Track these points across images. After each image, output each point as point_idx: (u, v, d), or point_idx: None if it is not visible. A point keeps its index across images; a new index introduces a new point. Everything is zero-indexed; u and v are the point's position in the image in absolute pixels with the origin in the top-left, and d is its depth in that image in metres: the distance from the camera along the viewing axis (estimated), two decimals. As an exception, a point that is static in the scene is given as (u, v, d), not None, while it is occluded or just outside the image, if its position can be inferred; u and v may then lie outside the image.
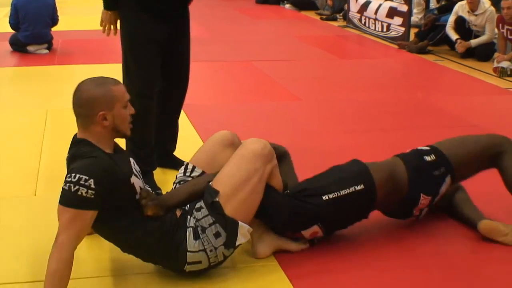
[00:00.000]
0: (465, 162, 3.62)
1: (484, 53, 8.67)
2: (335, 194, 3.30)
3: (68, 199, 2.76)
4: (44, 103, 6.21)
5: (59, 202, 2.79)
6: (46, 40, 8.62)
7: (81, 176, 2.76)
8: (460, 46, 8.70)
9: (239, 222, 3.06)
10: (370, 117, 5.95)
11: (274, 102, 6.43)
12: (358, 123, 5.76)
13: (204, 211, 3.05)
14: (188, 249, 3.01)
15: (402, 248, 3.48)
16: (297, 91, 6.85)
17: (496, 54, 8.47)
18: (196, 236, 3.03)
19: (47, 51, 8.63)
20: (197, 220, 3.05)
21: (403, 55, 9.19)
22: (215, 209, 3.04)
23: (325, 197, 3.30)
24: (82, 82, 3.02)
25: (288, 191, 3.36)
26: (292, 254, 3.36)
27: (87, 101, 2.91)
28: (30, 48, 8.52)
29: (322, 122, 5.83)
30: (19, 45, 8.56)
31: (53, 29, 8.80)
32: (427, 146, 3.65)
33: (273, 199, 3.24)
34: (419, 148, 3.64)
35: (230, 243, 3.06)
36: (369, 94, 6.83)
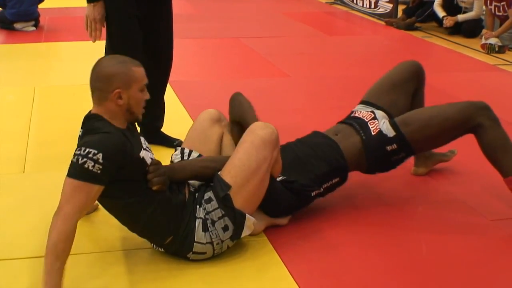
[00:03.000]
0: (429, 143, 3.69)
1: (471, 29, 8.69)
2: (319, 190, 3.49)
3: (75, 171, 2.74)
4: (32, 80, 6.18)
5: (67, 174, 2.77)
6: (33, 17, 8.57)
7: (90, 150, 2.73)
8: (448, 21, 8.70)
9: (247, 215, 3.06)
10: (358, 93, 5.91)
11: (262, 79, 6.43)
12: (346, 99, 5.74)
13: (214, 203, 3.03)
14: (196, 240, 3.01)
15: (390, 213, 3.53)
16: (285, 67, 6.85)
17: (484, 31, 8.48)
18: (205, 229, 3.02)
19: (34, 28, 8.59)
20: (207, 213, 3.03)
21: (391, 32, 9.19)
22: (226, 202, 3.02)
23: (313, 193, 3.46)
24: (103, 57, 3.02)
25: (280, 174, 3.38)
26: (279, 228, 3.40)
27: (106, 76, 2.88)
28: (17, 25, 8.47)
29: (310, 98, 5.83)
30: (5, 23, 8.50)
31: (40, 6, 8.76)
32: (393, 127, 3.59)
33: (274, 189, 3.25)
34: (384, 132, 3.60)
35: (236, 236, 3.07)
36: (356, 70, 6.84)
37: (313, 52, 7.79)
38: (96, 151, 2.72)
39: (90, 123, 2.91)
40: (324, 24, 9.81)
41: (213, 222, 3.02)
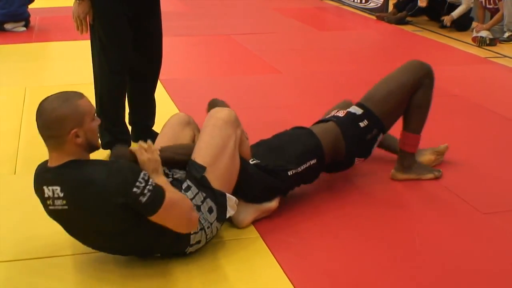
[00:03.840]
0: (394, 113, 3.85)
1: (462, 23, 8.69)
2: (296, 170, 3.49)
3: (155, 199, 2.74)
4: (23, 81, 6.15)
5: (153, 211, 2.75)
6: (23, 17, 8.53)
7: (136, 178, 2.70)
8: (447, 20, 8.67)
9: (226, 194, 3.10)
10: (350, 88, 5.94)
11: (254, 76, 6.41)
12: (338, 95, 5.71)
13: (194, 189, 3.04)
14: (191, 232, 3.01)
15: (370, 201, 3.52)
16: (277, 64, 6.83)
17: (474, 24, 8.48)
18: None
19: (24, 28, 8.54)
20: (190, 200, 3.02)
21: (382, 26, 9.18)
22: (203, 183, 3.05)
23: (290, 173, 3.47)
24: (45, 101, 2.77)
25: (255, 159, 3.44)
26: (271, 224, 3.40)
27: (57, 121, 2.71)
28: (7, 26, 8.42)
29: (302, 94, 5.82)
30: (-4, 23, 8.47)
31: (30, 6, 8.71)
32: (360, 107, 3.79)
33: (246, 172, 3.29)
34: (353, 111, 3.78)
35: (221, 216, 3.09)
36: (348, 65, 6.84)
37: (305, 48, 7.78)
38: (139, 173, 2.73)
39: (73, 174, 2.75)
40: (315, 20, 9.79)
41: (198, 207, 3.02)
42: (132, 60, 4.13)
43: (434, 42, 8.12)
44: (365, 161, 3.87)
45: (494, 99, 5.75)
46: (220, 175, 3.11)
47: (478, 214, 3.58)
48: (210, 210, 3.05)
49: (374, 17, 9.73)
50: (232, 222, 3.36)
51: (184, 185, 3.08)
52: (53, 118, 2.72)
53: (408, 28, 8.96)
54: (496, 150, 4.50)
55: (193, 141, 3.46)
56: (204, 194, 3.05)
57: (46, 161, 2.86)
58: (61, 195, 2.74)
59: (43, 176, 2.82)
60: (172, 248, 3.02)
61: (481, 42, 7.81)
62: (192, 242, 3.01)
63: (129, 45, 4.07)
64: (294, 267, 3.04)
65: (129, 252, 3.02)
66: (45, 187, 2.78)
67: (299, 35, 8.55)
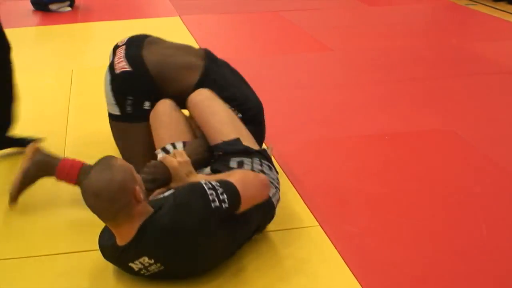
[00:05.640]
0: None
1: (517, -5, 8.42)
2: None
3: (232, 195, 2.62)
4: (69, 63, 6.07)
5: (239, 204, 2.63)
6: (68, -3, 8.48)
7: (204, 196, 2.55)
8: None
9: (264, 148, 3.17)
10: (404, 66, 5.77)
11: (305, 54, 6.24)
12: (393, 73, 5.58)
13: (246, 160, 2.95)
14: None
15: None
16: (327, 41, 6.65)
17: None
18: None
19: (69, 8, 8.47)
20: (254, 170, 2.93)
21: (433, 0, 8.92)
22: (249, 150, 3.01)
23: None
24: (90, 183, 2.48)
25: None
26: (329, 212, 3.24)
27: (120, 190, 2.47)
28: (52, 6, 8.36)
29: (356, 73, 5.63)
30: (41, 4, 8.40)
31: (75, -14, 8.65)
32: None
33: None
34: None
35: (275, 169, 3.10)
36: (400, 41, 6.63)
37: (355, 24, 7.57)
38: (200, 188, 2.58)
39: (154, 239, 2.53)
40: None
41: (262, 172, 2.94)
42: None
43: (488, 16, 7.84)
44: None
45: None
46: (248, 137, 3.09)
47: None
48: (269, 168, 3.01)
49: (424, -9, 9.48)
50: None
51: (233, 164, 2.95)
52: (116, 189, 2.46)
53: (461, 1, 8.69)
54: None
55: (188, 120, 3.34)
56: (257, 159, 2.97)
57: (109, 239, 2.64)
58: (152, 261, 2.56)
59: (123, 257, 2.61)
60: (267, 217, 2.96)
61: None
62: (275, 203, 2.96)
63: None
64: (354, 257, 2.90)
65: (240, 247, 2.88)
66: (131, 264, 2.61)
67: (348, 10, 8.33)
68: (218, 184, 2.59)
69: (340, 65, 5.88)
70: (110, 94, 3.48)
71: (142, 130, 3.39)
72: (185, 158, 2.86)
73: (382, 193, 3.49)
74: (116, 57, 3.48)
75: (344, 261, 2.86)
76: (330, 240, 3.02)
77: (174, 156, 2.87)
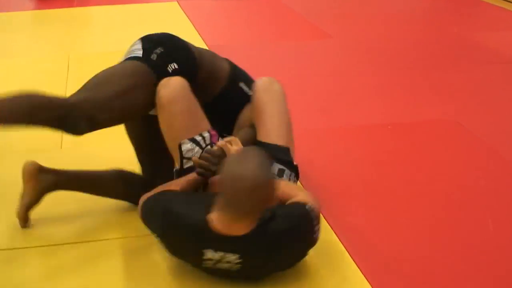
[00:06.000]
0: None
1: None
2: None
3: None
4: (66, 47, 6.01)
5: None
6: (65, -19, 8.41)
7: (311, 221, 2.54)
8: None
9: None
10: (405, 55, 5.71)
11: (303, 41, 6.18)
12: (392, 61, 5.53)
13: (287, 172, 2.87)
14: None
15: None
16: (326, 27, 6.59)
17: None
18: None
19: (66, -8, 8.42)
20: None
21: (434, -12, 8.87)
22: (291, 164, 2.92)
23: None
24: (246, 172, 2.34)
25: None
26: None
27: (271, 188, 2.42)
28: (49, -10, 8.30)
29: (355, 61, 5.58)
30: (37, -12, 8.35)
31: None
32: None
33: None
34: None
35: None
36: (401, 30, 6.58)
37: (354, 10, 7.51)
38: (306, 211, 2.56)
39: (265, 243, 2.46)
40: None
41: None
42: None
43: (489, 5, 7.78)
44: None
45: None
46: (293, 148, 2.96)
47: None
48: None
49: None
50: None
51: (274, 168, 2.82)
52: (272, 188, 2.42)
53: (461, -11, 8.65)
54: None
55: None
56: (294, 174, 2.89)
57: (197, 213, 2.49)
58: (239, 260, 2.45)
59: (211, 242, 2.45)
60: None
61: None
62: None
63: None
64: (357, 249, 2.86)
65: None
66: (209, 251, 2.45)
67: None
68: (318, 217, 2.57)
69: (339, 53, 5.83)
70: (138, 43, 2.99)
71: (150, 81, 2.86)
72: (240, 146, 2.77)
73: (385, 184, 3.44)
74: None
75: (348, 253, 2.82)
76: (334, 232, 2.97)
77: (230, 143, 2.77)
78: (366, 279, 2.65)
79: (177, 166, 2.84)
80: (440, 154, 3.79)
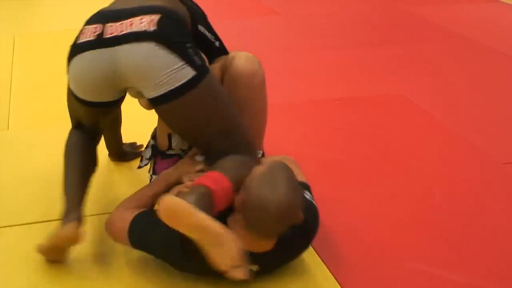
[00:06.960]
0: None
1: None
2: None
3: None
4: (10, 28, 5.89)
5: None
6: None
7: None
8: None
9: None
10: (355, 30, 5.74)
11: (250, 18, 6.17)
12: (340, 38, 5.55)
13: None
14: None
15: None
16: (273, 4, 6.58)
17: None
18: None
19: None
20: None
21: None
22: None
23: None
24: (273, 197, 2.17)
25: None
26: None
27: (297, 211, 2.28)
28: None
29: (304, 37, 5.59)
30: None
31: None
32: None
33: None
34: None
35: None
36: (348, 6, 6.60)
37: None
38: None
39: None
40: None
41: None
42: None
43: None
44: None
45: (502, 39, 5.56)
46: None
47: (497, 164, 3.42)
48: None
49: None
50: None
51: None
52: (297, 211, 2.27)
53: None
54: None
55: None
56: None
57: None
58: (254, 269, 2.36)
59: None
60: None
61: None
62: None
63: None
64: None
65: None
66: None
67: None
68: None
69: (287, 29, 5.83)
70: (169, 55, 2.39)
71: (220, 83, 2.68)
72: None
73: (337, 159, 3.46)
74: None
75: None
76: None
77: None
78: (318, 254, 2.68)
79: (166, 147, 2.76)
80: (389, 128, 3.82)
